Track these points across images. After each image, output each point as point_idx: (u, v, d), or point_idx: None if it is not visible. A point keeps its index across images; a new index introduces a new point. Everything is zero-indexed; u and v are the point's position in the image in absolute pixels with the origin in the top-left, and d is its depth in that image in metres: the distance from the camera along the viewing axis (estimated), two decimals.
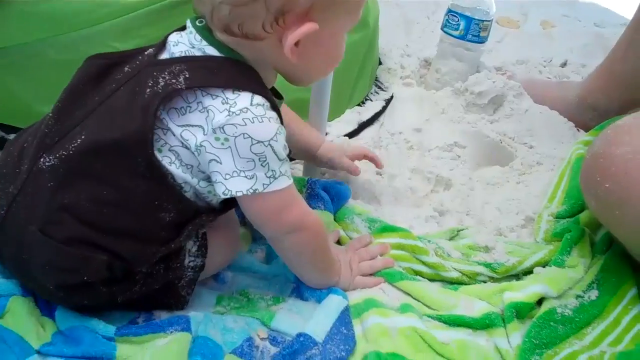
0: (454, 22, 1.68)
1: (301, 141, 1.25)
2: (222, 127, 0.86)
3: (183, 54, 0.91)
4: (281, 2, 0.85)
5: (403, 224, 1.25)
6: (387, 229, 1.20)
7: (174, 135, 0.89)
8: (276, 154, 0.89)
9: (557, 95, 1.68)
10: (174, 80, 0.87)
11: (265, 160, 0.88)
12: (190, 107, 0.88)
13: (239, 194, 0.89)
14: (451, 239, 1.24)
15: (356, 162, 1.34)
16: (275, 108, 0.92)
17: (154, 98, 0.87)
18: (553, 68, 1.97)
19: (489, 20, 1.67)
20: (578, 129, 1.62)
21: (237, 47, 0.91)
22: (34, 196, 0.90)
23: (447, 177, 1.43)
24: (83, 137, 0.89)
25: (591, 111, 1.59)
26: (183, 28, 0.95)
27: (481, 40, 1.70)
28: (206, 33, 0.91)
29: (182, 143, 0.89)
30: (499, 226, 1.29)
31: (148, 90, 0.87)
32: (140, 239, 0.92)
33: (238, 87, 0.88)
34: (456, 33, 1.69)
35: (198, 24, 0.92)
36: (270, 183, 0.90)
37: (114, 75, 0.94)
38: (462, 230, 1.26)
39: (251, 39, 0.88)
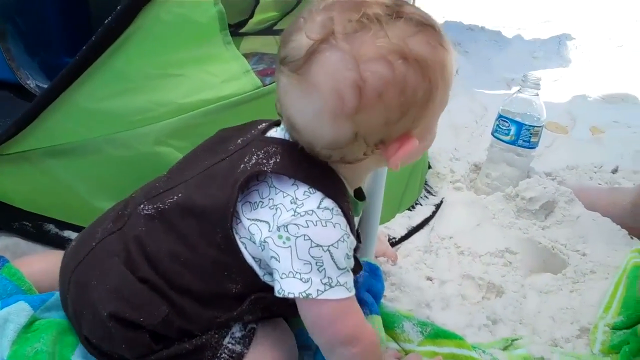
0: (504, 128, 1.69)
1: None
2: (286, 226, 0.88)
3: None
4: (379, 136, 0.88)
5: (456, 332, 1.21)
6: (440, 334, 1.17)
7: (245, 227, 0.92)
8: (335, 262, 0.89)
9: (610, 201, 1.66)
10: (264, 161, 0.92)
11: (322, 266, 0.88)
12: (263, 202, 0.91)
13: (290, 295, 0.89)
14: (505, 348, 1.21)
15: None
16: (346, 215, 0.92)
17: (242, 174, 0.92)
18: (604, 174, 1.95)
19: (539, 126, 1.68)
20: (632, 237, 1.59)
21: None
22: (126, 235, 0.97)
23: (499, 284, 1.41)
24: (180, 195, 0.96)
25: None
26: (278, 122, 1.00)
27: (532, 146, 1.71)
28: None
29: (250, 237, 0.92)
30: (554, 336, 1.26)
31: (242, 166, 0.93)
32: (203, 302, 0.95)
33: (314, 187, 0.90)
34: (507, 138, 1.70)
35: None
36: (325, 290, 0.89)
37: (228, 145, 1.00)
38: (516, 340, 1.23)
39: (351, 163, 0.93)
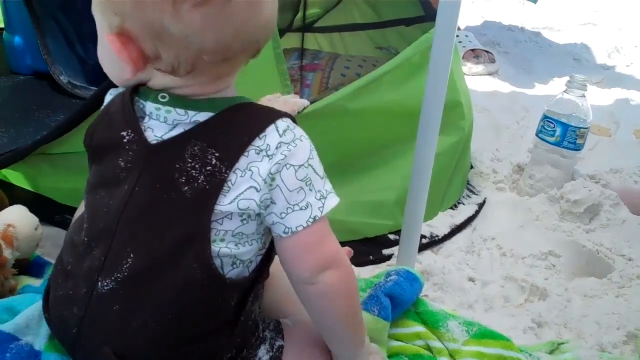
0: (549, 129, 1.67)
1: None
2: (269, 172, 0.83)
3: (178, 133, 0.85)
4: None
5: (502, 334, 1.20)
6: (487, 334, 1.15)
7: (231, 216, 0.85)
8: (316, 172, 0.86)
9: None
10: (209, 168, 0.82)
11: (310, 183, 0.85)
12: (230, 181, 0.83)
13: (299, 229, 0.85)
14: (551, 352, 1.18)
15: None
16: (295, 119, 0.88)
17: (207, 197, 0.83)
18: None
19: (585, 128, 1.66)
20: None
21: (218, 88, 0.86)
22: (103, 319, 0.87)
23: (542, 286, 1.39)
24: (132, 256, 0.85)
25: None
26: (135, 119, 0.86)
27: (577, 148, 1.68)
28: (182, 102, 0.84)
29: (242, 214, 0.85)
30: (600, 341, 1.24)
31: (187, 188, 0.83)
32: (215, 332, 0.89)
33: (258, 130, 0.84)
34: (552, 139, 1.67)
35: (163, 100, 0.84)
36: (323, 205, 0.86)
37: (114, 173, 0.87)
38: (562, 344, 1.21)
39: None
